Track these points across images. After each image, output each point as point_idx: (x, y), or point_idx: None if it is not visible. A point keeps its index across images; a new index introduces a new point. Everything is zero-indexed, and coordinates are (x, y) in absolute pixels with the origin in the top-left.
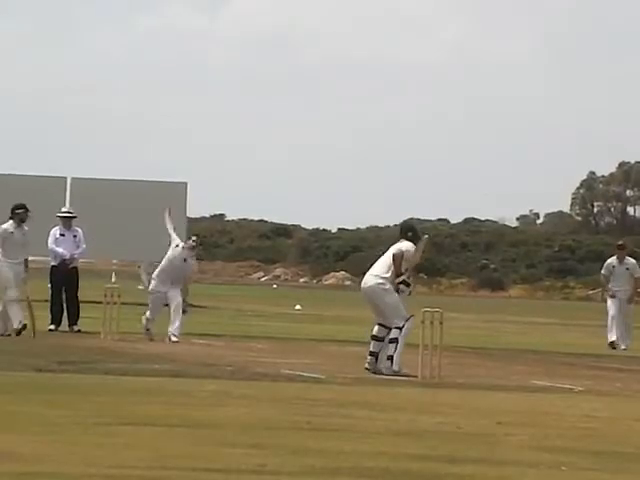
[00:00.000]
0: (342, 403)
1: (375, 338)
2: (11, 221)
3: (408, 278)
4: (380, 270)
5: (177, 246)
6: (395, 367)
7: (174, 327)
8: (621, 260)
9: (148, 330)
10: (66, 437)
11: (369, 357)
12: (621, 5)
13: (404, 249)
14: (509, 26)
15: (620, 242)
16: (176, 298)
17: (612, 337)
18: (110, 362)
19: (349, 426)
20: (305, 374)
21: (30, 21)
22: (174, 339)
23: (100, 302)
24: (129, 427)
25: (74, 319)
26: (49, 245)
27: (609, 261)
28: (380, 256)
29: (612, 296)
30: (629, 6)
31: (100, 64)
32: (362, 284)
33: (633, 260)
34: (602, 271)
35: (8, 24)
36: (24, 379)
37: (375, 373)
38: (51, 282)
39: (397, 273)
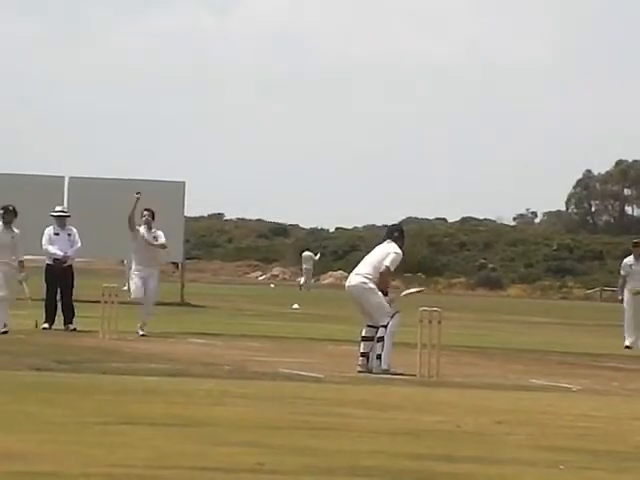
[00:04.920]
0: (340, 402)
1: (365, 339)
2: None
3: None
4: (364, 270)
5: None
6: (384, 365)
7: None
8: (638, 258)
9: None
10: (65, 436)
11: (360, 358)
12: (620, 5)
13: (393, 260)
14: (507, 25)
15: (636, 239)
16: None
17: (627, 341)
18: (108, 361)
19: (347, 425)
20: (303, 373)
21: (38, 21)
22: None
23: (98, 301)
24: (127, 426)
25: (69, 318)
26: (43, 245)
27: (626, 260)
28: (364, 256)
29: (621, 300)
30: (628, 6)
31: (100, 64)
32: (347, 283)
33: None
34: (620, 271)
35: (6, 24)
36: (23, 378)
37: (370, 372)
38: (46, 281)
39: (384, 289)
